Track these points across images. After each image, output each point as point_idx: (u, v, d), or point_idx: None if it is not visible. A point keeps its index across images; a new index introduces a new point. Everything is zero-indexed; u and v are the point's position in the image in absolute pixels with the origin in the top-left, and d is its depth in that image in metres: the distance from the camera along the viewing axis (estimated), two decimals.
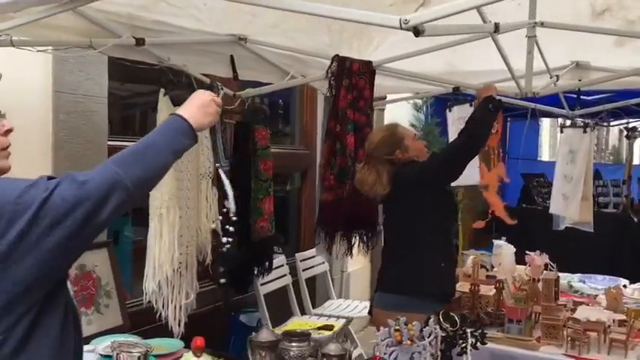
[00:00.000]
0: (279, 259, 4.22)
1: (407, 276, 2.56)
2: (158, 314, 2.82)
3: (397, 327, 1.78)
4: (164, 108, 2.79)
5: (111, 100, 2.87)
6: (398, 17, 1.36)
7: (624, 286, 3.71)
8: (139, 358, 2.12)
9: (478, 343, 1.96)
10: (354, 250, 3.18)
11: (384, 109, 5.71)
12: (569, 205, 3.98)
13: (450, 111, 4.23)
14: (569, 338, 2.56)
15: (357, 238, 3.09)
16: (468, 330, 1.94)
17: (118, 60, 2.70)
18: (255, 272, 3.40)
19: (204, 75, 3.15)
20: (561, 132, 4.05)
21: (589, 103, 4.13)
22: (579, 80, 3.48)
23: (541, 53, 2.91)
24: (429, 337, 1.83)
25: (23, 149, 2.47)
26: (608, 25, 2.96)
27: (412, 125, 6.23)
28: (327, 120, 3.06)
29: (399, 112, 6.01)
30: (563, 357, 2.54)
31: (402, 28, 1.36)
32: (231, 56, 3.26)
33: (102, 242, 2.78)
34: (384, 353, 1.78)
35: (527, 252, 3.43)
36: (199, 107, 1.46)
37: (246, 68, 3.37)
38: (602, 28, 2.78)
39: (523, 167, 8.22)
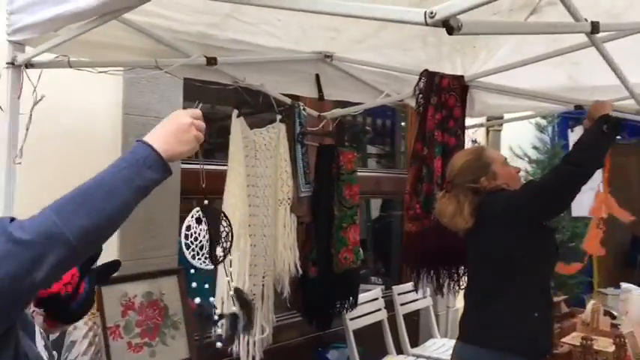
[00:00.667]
0: (374, 292, 3.93)
1: (490, 325, 2.17)
2: (229, 349, 2.67)
3: None
4: (237, 130, 2.66)
5: None
6: (422, 10, 1.06)
7: None
8: None
9: None
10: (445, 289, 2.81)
11: (500, 130, 5.24)
12: None
13: (572, 131, 3.76)
14: None
15: (447, 274, 2.72)
16: None
17: (192, 81, 2.62)
18: (338, 307, 3.14)
19: (284, 95, 3.00)
20: None
21: None
22: None
23: None
24: None
25: (93, 172, 2.46)
26: None
27: (535, 148, 5.67)
28: (413, 142, 2.75)
29: (519, 133, 5.50)
30: None
31: (427, 24, 1.06)
32: (317, 75, 3.09)
33: (172, 269, 2.68)
34: None
35: None
36: (174, 133, 1.19)
37: (333, 87, 3.17)
38: None
39: None
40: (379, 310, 3.89)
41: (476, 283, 2.34)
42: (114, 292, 2.43)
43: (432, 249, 2.66)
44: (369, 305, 3.84)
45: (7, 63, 1.91)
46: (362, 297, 3.89)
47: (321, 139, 3.34)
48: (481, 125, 4.16)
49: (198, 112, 1.24)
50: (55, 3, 1.67)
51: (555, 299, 3.00)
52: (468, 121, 4.07)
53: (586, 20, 1.69)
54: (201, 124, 1.23)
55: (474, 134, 4.17)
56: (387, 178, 4.65)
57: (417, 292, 3.64)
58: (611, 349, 2.48)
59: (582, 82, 3.24)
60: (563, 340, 2.64)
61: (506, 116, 4.48)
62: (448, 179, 2.36)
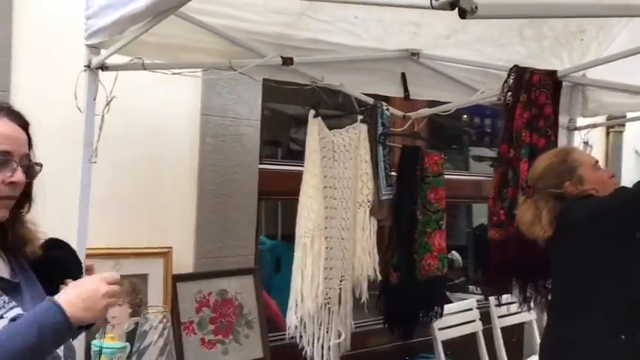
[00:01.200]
0: (468, 302, 3.72)
1: (569, 345, 1.95)
2: (304, 352, 2.64)
3: None
4: (314, 130, 2.62)
5: (265, 124, 2.81)
6: None
7: None
8: None
9: None
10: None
11: (622, 132, 4.77)
12: None
13: None
14: None
15: (533, 287, 2.50)
16: None
17: (270, 82, 2.63)
18: (421, 316, 3.00)
19: (367, 95, 2.92)
20: None
21: None
22: None
23: None
24: None
25: (169, 172, 2.56)
26: None
27: None
28: (499, 143, 2.56)
29: None
30: None
31: (432, 7, 0.94)
32: (403, 74, 2.99)
33: (248, 269, 2.71)
34: None
35: None
36: (84, 299, 1.14)
37: (420, 86, 3.05)
38: None
39: None
40: (473, 321, 3.68)
41: (557, 298, 2.12)
42: (189, 288, 2.50)
43: (517, 258, 2.46)
44: (462, 315, 3.64)
45: (84, 66, 2.02)
46: (454, 306, 3.71)
47: (412, 141, 3.22)
48: (594, 126, 3.80)
49: (115, 276, 1.22)
50: (120, 6, 1.74)
51: None
52: (580, 122, 3.80)
53: None
54: (115, 289, 1.20)
55: (586, 136, 3.82)
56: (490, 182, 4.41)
57: (499, 306, 3.40)
58: None
59: None
60: None
61: (629, 115, 4.07)
62: (530, 183, 2.16)
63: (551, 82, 2.47)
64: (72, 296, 1.15)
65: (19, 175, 1.21)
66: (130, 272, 2.33)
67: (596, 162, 2.21)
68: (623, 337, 1.90)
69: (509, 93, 2.52)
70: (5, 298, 1.18)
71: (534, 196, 2.10)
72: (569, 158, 2.11)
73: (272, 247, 3.39)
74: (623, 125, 4.62)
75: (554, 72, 2.50)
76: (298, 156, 2.85)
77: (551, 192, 2.06)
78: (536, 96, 2.45)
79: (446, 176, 4.04)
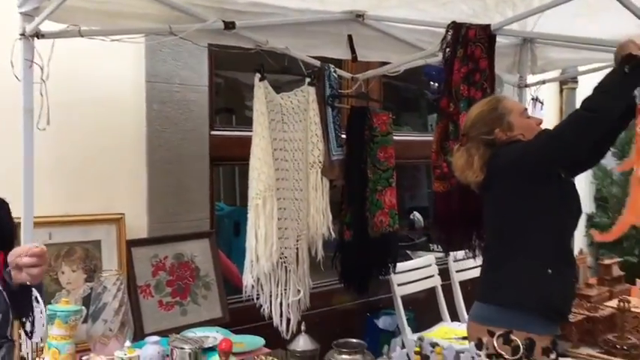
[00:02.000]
0: (426, 259, 3.85)
1: (502, 284, 2.05)
2: (262, 310, 2.71)
3: (417, 349, 1.38)
4: (260, 94, 2.66)
5: (219, 91, 2.84)
6: None
7: None
8: (189, 354, 2.04)
9: None
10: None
11: (575, 88, 4.88)
12: None
13: None
14: None
15: (477, 236, 2.60)
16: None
17: (215, 47, 2.65)
18: (375, 272, 3.10)
19: (315, 57, 2.96)
20: None
21: None
22: None
23: None
24: None
25: (117, 140, 2.58)
26: None
27: None
28: (439, 98, 2.63)
29: None
30: None
31: None
32: (349, 36, 3.02)
33: (203, 232, 2.77)
34: None
35: None
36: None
37: (369, 48, 3.09)
38: None
39: None
40: (432, 276, 3.80)
41: (490, 241, 2.23)
42: (144, 253, 2.55)
43: (460, 209, 2.55)
44: (421, 271, 3.77)
45: (19, 34, 2.04)
46: (414, 263, 3.83)
47: (364, 102, 3.28)
48: (543, 82, 3.89)
49: (34, 250, 1.46)
50: None
51: (607, 262, 2.78)
52: (530, 79, 3.89)
53: None
54: (29, 260, 1.44)
55: (536, 92, 3.92)
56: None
57: (447, 256, 3.52)
58: None
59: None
60: (607, 303, 2.44)
61: (581, 69, 4.15)
62: (463, 132, 2.24)
63: (485, 37, 2.53)
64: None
65: None
66: (83, 239, 2.38)
67: (525, 109, 2.29)
68: (549, 271, 2.00)
69: (448, 49, 2.59)
70: None
71: (467, 144, 2.18)
72: (500, 106, 2.19)
73: (230, 212, 3.44)
74: (576, 82, 4.72)
75: (487, 26, 2.56)
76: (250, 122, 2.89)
77: (483, 138, 2.14)
78: (472, 50, 2.51)
79: (404, 137, 4.14)
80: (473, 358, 1.41)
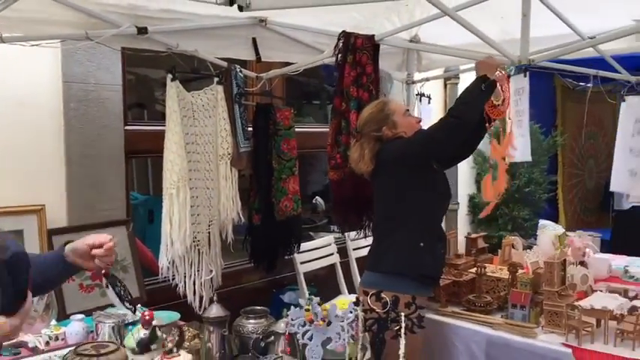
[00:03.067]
0: (326, 239, 4.26)
1: (385, 254, 2.49)
2: (177, 289, 2.99)
3: (308, 307, 1.75)
4: (173, 93, 2.91)
5: (130, 88, 3.06)
6: None
7: None
8: (113, 328, 2.30)
9: (415, 327, 1.86)
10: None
11: (457, 84, 5.45)
12: (637, 181, 3.56)
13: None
14: (569, 327, 2.33)
15: (367, 217, 3.02)
16: (402, 313, 1.85)
17: (129, 50, 2.87)
18: (282, 251, 3.46)
19: (223, 59, 3.24)
20: (623, 100, 3.62)
21: None
22: None
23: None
24: (349, 319, 1.78)
25: (37, 137, 2.75)
26: None
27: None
28: (333, 98, 3.01)
29: None
30: (560, 347, 2.32)
31: (217, 3, 1.32)
32: (254, 39, 3.32)
33: (120, 220, 3.00)
34: (297, 332, 1.76)
35: (567, 233, 3.16)
36: None
37: (272, 49, 3.40)
38: None
39: None
40: (332, 254, 4.22)
41: (377, 220, 2.65)
42: (64, 240, 2.75)
43: (353, 194, 2.95)
44: (322, 250, 4.18)
45: None
46: (315, 243, 4.23)
47: (268, 99, 3.60)
48: (427, 79, 4.38)
49: (110, 245, 1.62)
50: None
51: (474, 236, 3.29)
52: (417, 76, 4.37)
53: None
54: (101, 252, 1.60)
55: (422, 88, 4.40)
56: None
57: (343, 235, 3.95)
58: (506, 275, 2.79)
59: (514, 35, 3.47)
60: (470, 270, 2.94)
61: (462, 67, 4.67)
62: (357, 129, 2.65)
63: (370, 45, 2.93)
64: None
65: None
66: (6, 229, 2.55)
67: (407, 110, 2.74)
68: (422, 244, 2.45)
69: (339, 55, 2.96)
70: None
71: (361, 140, 2.59)
72: (386, 108, 2.61)
73: (144, 201, 3.67)
74: (458, 78, 5.28)
75: (372, 36, 2.96)
76: (164, 117, 3.12)
77: (373, 135, 2.56)
78: (360, 57, 2.90)
79: (306, 129, 4.50)
80: (351, 312, 1.79)
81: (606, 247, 4.35)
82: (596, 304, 2.34)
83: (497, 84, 2.53)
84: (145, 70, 3.83)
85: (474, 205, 5.62)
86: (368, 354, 1.91)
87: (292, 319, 1.77)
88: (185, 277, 2.99)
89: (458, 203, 5.40)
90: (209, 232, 3.15)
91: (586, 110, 5.82)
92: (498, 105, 2.64)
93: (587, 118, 6.67)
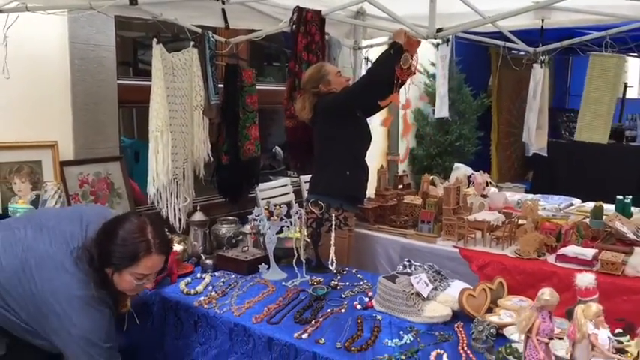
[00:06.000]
0: (284, 180, 5.03)
1: (320, 180, 3.27)
2: (161, 213, 3.70)
3: (266, 207, 2.52)
4: (157, 54, 3.57)
5: (122, 49, 3.70)
6: None
7: (571, 204, 4.18)
8: None
9: (342, 225, 2.66)
10: None
11: None
12: (531, 133, 4.43)
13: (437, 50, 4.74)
14: (459, 234, 3.17)
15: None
16: (333, 214, 2.64)
17: (120, 18, 3.52)
18: (245, 187, 4.21)
19: (197, 26, 3.91)
20: (532, 68, 4.43)
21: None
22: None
23: None
24: (295, 215, 2.56)
25: (48, 87, 3.40)
26: None
27: (432, 64, 6.65)
28: (289, 61, 3.74)
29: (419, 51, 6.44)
30: (452, 248, 3.16)
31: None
32: (223, 10, 3.98)
33: (115, 157, 3.69)
34: (258, 225, 2.54)
35: (472, 173, 3.99)
36: None
37: (238, 19, 4.08)
38: None
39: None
40: (288, 194, 4.99)
41: (315, 155, 3.43)
42: (73, 171, 3.44)
43: (303, 138, 3.70)
44: (279, 190, 4.95)
45: None
46: (273, 183, 4.99)
47: (235, 60, 4.29)
48: (371, 46, 5.12)
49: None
50: None
51: (400, 174, 4.11)
52: (364, 42, 5.10)
53: None
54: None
55: (367, 53, 5.14)
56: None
57: (298, 178, 4.72)
58: (419, 202, 3.62)
59: (440, 10, 4.22)
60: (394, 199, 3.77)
61: None
62: (301, 86, 3.38)
63: (318, 19, 3.65)
64: None
65: (150, 284, 2.15)
66: (28, 159, 3.24)
67: (339, 71, 3.46)
68: (348, 173, 3.24)
69: (294, 25, 3.67)
70: None
71: (304, 94, 3.32)
72: (322, 69, 3.34)
73: (131, 144, 4.35)
74: None
75: (319, 12, 3.68)
76: (146, 73, 3.76)
77: (312, 90, 3.31)
78: (310, 28, 3.62)
79: (267, 87, 5.20)
80: (296, 213, 2.57)
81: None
82: (479, 217, 3.19)
83: (406, 51, 3.21)
84: (129, 32, 4.45)
85: (414, 157, 6.45)
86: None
87: (255, 216, 2.54)
88: (167, 203, 3.72)
89: (398, 155, 6.22)
90: (184, 169, 3.87)
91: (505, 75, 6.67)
92: (405, 68, 3.37)
93: (522, 83, 7.57)
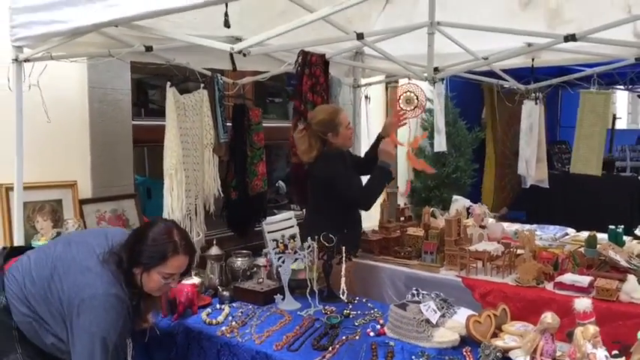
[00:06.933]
0: (288, 214, 5.15)
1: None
2: None
3: (282, 241, 2.68)
4: (170, 96, 3.77)
5: (134, 91, 3.91)
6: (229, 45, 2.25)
7: (566, 234, 4.35)
8: None
9: (352, 257, 2.82)
10: None
11: (396, 87, 6.43)
12: (529, 166, 4.63)
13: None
14: (461, 264, 3.33)
15: None
16: (343, 247, 2.80)
17: (136, 63, 3.73)
18: (252, 221, 4.37)
19: (206, 69, 4.12)
20: (523, 104, 4.65)
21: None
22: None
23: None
24: (308, 248, 2.72)
25: (68, 129, 3.58)
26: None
27: (429, 100, 6.88)
28: (294, 100, 3.94)
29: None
30: (455, 277, 3.32)
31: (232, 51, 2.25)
32: (231, 53, 4.20)
33: (130, 194, 3.86)
34: (274, 257, 2.69)
35: (471, 204, 4.17)
36: None
37: (244, 61, 4.26)
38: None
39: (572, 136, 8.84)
40: (292, 226, 5.13)
41: (310, 206, 3.58)
42: (90, 209, 3.60)
43: (306, 176, 3.87)
44: (284, 223, 5.08)
45: (12, 59, 3.01)
46: (279, 217, 5.11)
47: (241, 100, 4.50)
48: (370, 84, 5.36)
49: None
50: (44, 24, 2.78)
51: (402, 207, 4.28)
52: (362, 81, 5.33)
53: None
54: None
55: (366, 90, 5.38)
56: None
57: (301, 211, 4.87)
58: (422, 233, 3.79)
59: (438, 51, 4.46)
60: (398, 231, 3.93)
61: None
62: (309, 119, 3.49)
63: (321, 62, 3.86)
64: None
65: (175, 284, 2.32)
66: (50, 198, 3.40)
67: (349, 123, 3.56)
68: (345, 230, 3.26)
69: (299, 67, 3.88)
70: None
71: (309, 131, 3.45)
72: (337, 118, 3.43)
73: (143, 182, 4.52)
74: (397, 81, 6.26)
75: (323, 55, 3.90)
76: (157, 113, 3.93)
77: (319, 135, 3.40)
78: (314, 70, 3.83)
79: (270, 124, 5.41)
80: (309, 246, 2.72)
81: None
82: (480, 247, 3.36)
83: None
84: (139, 74, 4.67)
85: (413, 189, 6.64)
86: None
87: (271, 249, 2.70)
88: None
89: (397, 187, 6.41)
90: (196, 205, 4.03)
91: (500, 110, 6.91)
92: (409, 110, 3.57)
93: (515, 117, 7.84)
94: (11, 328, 2.20)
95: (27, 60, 3.04)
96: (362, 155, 4.05)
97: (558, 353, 1.94)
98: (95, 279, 2.15)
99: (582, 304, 1.78)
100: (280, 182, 5.95)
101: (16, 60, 3.02)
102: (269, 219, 4.73)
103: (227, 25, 2.31)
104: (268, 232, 4.89)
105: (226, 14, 2.32)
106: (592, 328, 1.62)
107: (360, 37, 2.97)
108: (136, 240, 2.24)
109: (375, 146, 3.67)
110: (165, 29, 3.60)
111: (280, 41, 4.20)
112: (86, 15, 2.65)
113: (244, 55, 2.33)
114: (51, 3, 2.78)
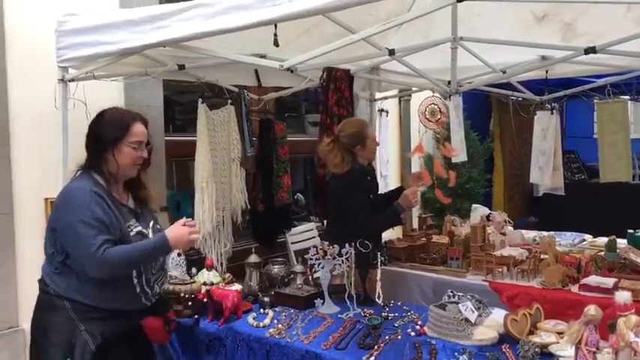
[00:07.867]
0: (309, 225, 5.33)
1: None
2: (204, 255, 3.97)
3: (322, 247, 2.81)
4: (202, 112, 3.93)
5: (166, 108, 4.07)
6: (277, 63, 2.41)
7: (584, 239, 4.48)
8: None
9: (386, 262, 2.94)
10: None
11: (409, 100, 6.62)
12: (544, 174, 4.77)
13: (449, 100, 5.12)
14: (487, 269, 3.46)
15: None
16: (378, 253, 2.93)
17: (169, 81, 3.89)
18: (278, 231, 4.51)
19: (233, 85, 4.27)
20: (535, 114, 4.81)
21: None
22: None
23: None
24: (346, 254, 2.85)
25: None
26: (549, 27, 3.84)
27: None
28: (320, 115, 4.09)
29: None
30: (481, 282, 3.44)
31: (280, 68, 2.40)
32: (256, 70, 4.38)
33: (165, 207, 4.00)
34: (314, 263, 2.83)
35: (491, 212, 4.31)
36: (177, 238, 2.42)
37: (269, 77, 4.46)
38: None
39: (578, 145, 9.03)
40: (314, 237, 5.28)
41: (331, 220, 3.70)
42: None
43: None
44: (306, 234, 5.24)
45: (58, 79, 3.17)
46: (302, 228, 5.28)
47: (265, 114, 4.66)
48: (385, 98, 5.52)
49: (192, 223, 2.51)
50: (90, 46, 2.94)
51: (424, 216, 4.42)
52: (378, 95, 5.49)
53: None
54: (194, 230, 2.50)
55: (382, 104, 5.53)
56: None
57: (321, 223, 5.00)
58: (446, 240, 3.91)
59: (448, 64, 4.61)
60: (422, 239, 4.06)
61: (414, 88, 5.82)
62: (337, 133, 3.57)
63: (346, 77, 4.02)
64: (172, 235, 2.43)
65: (145, 154, 2.49)
66: None
67: (375, 137, 3.71)
68: (369, 244, 3.09)
69: (324, 83, 4.04)
70: (133, 219, 2.48)
71: (336, 143, 3.50)
72: (366, 132, 3.54)
73: (172, 195, 4.66)
74: (410, 95, 6.44)
75: (348, 70, 4.06)
76: (184, 128, 4.07)
77: (347, 147, 3.48)
78: (339, 85, 3.99)
79: (292, 138, 5.56)
80: (347, 252, 2.85)
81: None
82: (505, 252, 3.49)
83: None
84: (167, 93, 4.84)
85: (425, 200, 6.78)
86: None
87: (311, 255, 2.83)
88: (212, 248, 4.01)
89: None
90: (223, 216, 4.17)
91: (511, 120, 7.08)
92: (433, 121, 3.72)
93: (523, 127, 7.99)
94: (63, 308, 2.36)
95: (72, 80, 3.20)
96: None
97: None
98: (71, 184, 2.45)
99: (623, 296, 1.90)
100: (299, 194, 6.09)
101: (62, 80, 3.17)
102: (292, 230, 4.90)
103: (276, 44, 2.45)
104: (292, 243, 5.08)
105: (275, 34, 2.46)
106: (634, 318, 1.75)
107: (391, 52, 3.12)
108: (95, 129, 2.49)
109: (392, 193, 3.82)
110: (201, 48, 3.80)
111: (316, 60, 4.44)
112: (135, 36, 2.82)
113: (291, 71, 2.47)
114: (99, 25, 2.96)
